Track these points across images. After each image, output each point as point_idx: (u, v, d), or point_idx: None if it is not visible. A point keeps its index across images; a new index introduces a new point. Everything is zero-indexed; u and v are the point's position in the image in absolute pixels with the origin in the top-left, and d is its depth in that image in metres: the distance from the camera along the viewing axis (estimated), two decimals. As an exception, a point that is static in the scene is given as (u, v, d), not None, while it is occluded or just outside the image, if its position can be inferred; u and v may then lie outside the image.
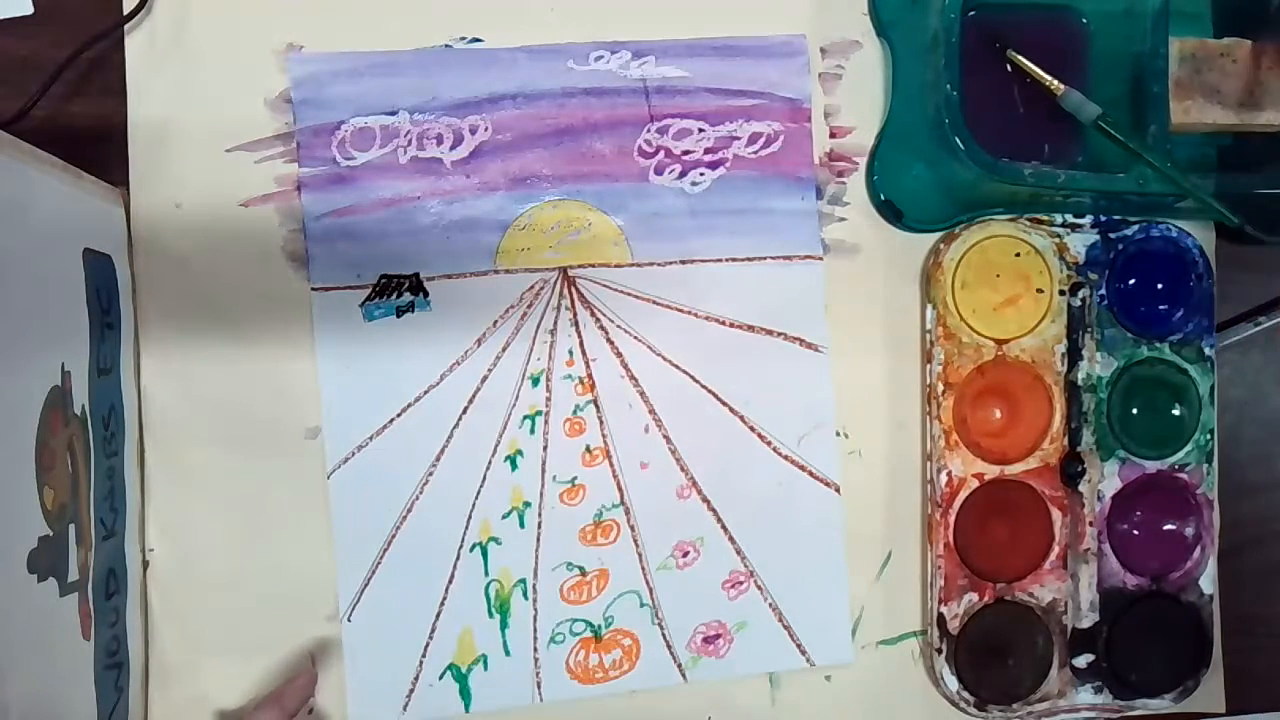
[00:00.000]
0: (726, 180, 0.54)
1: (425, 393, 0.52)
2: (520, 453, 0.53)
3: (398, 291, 0.52)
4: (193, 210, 0.51)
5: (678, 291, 0.54)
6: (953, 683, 0.54)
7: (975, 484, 0.54)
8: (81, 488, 0.43)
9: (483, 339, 0.53)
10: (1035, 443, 0.54)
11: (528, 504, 0.53)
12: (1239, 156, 0.56)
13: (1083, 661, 0.55)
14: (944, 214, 0.55)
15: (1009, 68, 0.54)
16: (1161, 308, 0.56)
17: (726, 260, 0.54)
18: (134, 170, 0.50)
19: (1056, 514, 0.55)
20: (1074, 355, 0.55)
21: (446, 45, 0.52)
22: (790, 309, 0.54)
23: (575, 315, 0.53)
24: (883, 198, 0.54)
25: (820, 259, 0.55)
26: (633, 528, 0.53)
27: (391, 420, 0.52)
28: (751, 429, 0.54)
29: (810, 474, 0.55)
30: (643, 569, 0.54)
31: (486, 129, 0.52)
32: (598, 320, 0.53)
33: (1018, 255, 0.54)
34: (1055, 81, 0.52)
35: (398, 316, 0.52)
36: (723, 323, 0.54)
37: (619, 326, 0.53)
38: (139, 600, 0.50)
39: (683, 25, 0.53)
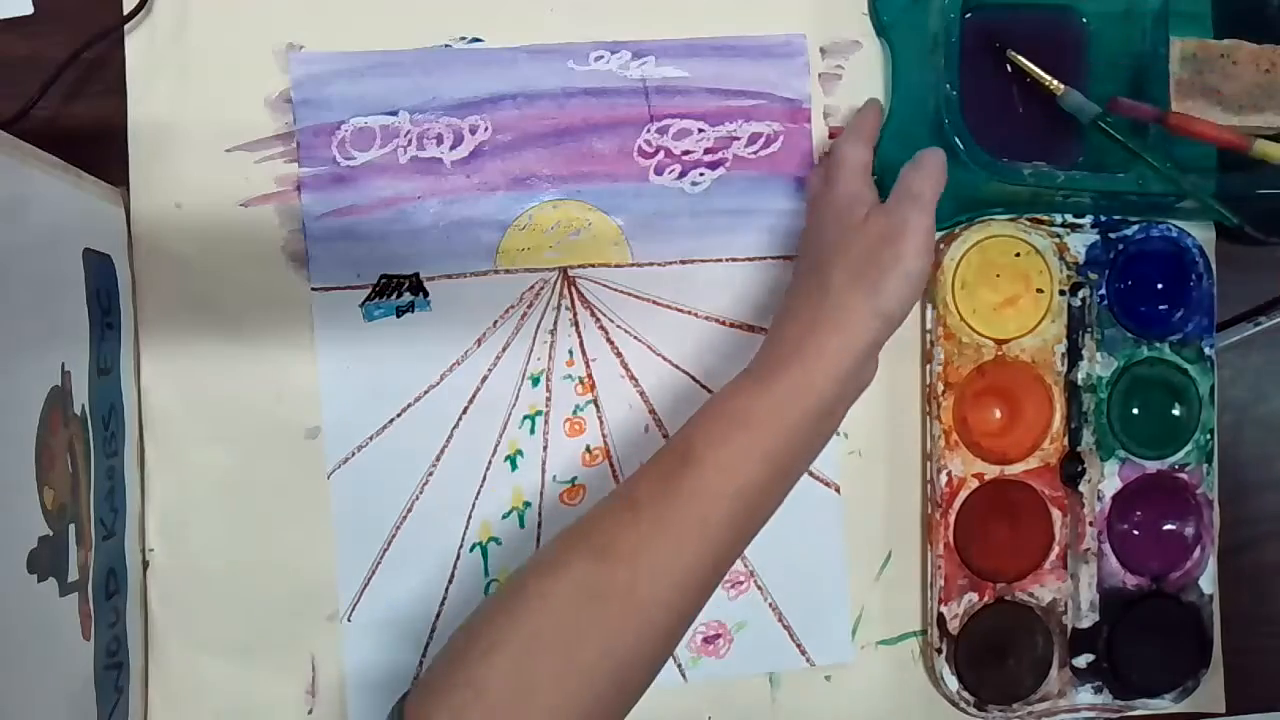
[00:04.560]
0: (726, 180, 0.54)
1: (425, 393, 0.52)
2: (520, 453, 0.53)
3: (398, 291, 0.52)
4: (193, 210, 0.51)
5: (678, 291, 0.54)
6: (953, 683, 0.54)
7: (975, 484, 0.54)
8: (81, 488, 0.43)
9: (483, 339, 0.53)
10: (1035, 443, 0.54)
11: (528, 504, 0.53)
12: (1239, 157, 0.56)
13: (1083, 661, 0.55)
14: (944, 214, 0.54)
15: (1009, 68, 0.54)
16: (1161, 308, 0.56)
17: (726, 260, 0.54)
18: (134, 170, 0.50)
19: (1056, 514, 0.55)
20: (1074, 355, 0.55)
21: (446, 45, 0.52)
22: (790, 309, 0.54)
23: (575, 315, 0.53)
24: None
25: (820, 259, 0.55)
26: (633, 528, 0.53)
27: (391, 420, 0.52)
28: (751, 429, 0.54)
29: (810, 474, 0.54)
30: (643, 569, 0.53)
31: (486, 129, 0.52)
32: (598, 320, 0.53)
33: (1018, 255, 0.54)
34: (1055, 81, 0.52)
35: (398, 316, 0.52)
36: (723, 323, 0.54)
37: (619, 326, 0.53)
38: (139, 600, 0.50)
39: (683, 25, 0.53)
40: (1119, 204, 0.55)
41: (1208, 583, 0.56)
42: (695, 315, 0.54)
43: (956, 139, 0.50)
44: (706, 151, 0.54)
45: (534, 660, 0.38)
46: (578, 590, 0.39)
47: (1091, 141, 0.54)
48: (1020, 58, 0.53)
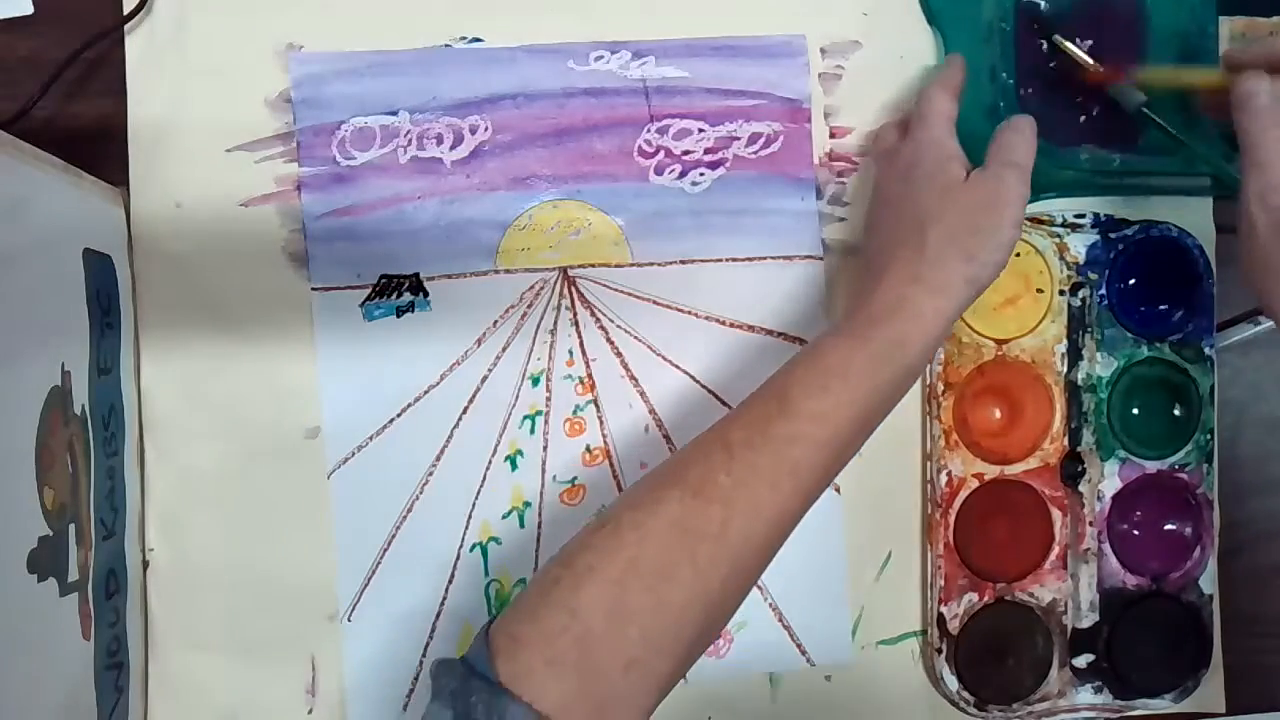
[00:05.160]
0: (726, 180, 0.54)
1: (425, 393, 0.52)
2: (520, 453, 0.53)
3: (398, 291, 0.52)
4: (193, 210, 0.51)
5: (678, 291, 0.54)
6: (953, 683, 0.54)
7: (975, 484, 0.54)
8: (81, 488, 0.43)
9: (483, 339, 0.53)
10: (1035, 443, 0.54)
11: (528, 504, 0.53)
12: None
13: (1083, 661, 0.55)
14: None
15: (1056, 52, 0.53)
16: (1161, 308, 0.56)
17: (726, 260, 0.54)
18: (134, 170, 0.50)
19: (1056, 514, 0.55)
20: (1074, 355, 0.55)
21: (446, 45, 0.52)
22: (790, 309, 0.54)
23: (575, 315, 0.53)
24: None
25: (820, 259, 0.55)
26: (633, 528, 0.53)
27: (391, 420, 0.52)
28: (751, 429, 0.54)
29: (810, 474, 0.54)
30: (643, 569, 0.53)
31: (486, 129, 0.52)
32: (598, 320, 0.53)
33: (1017, 255, 0.54)
34: (1100, 67, 0.52)
35: (398, 316, 0.52)
36: (723, 323, 0.54)
37: (619, 326, 0.53)
38: (139, 600, 0.50)
39: (683, 25, 0.53)
40: (1172, 186, 0.54)
41: (1208, 583, 0.56)
42: (695, 315, 0.54)
43: None
44: (707, 151, 0.54)
45: (628, 591, 0.38)
46: (672, 526, 0.39)
47: (1145, 124, 0.53)
48: (1066, 43, 0.52)
